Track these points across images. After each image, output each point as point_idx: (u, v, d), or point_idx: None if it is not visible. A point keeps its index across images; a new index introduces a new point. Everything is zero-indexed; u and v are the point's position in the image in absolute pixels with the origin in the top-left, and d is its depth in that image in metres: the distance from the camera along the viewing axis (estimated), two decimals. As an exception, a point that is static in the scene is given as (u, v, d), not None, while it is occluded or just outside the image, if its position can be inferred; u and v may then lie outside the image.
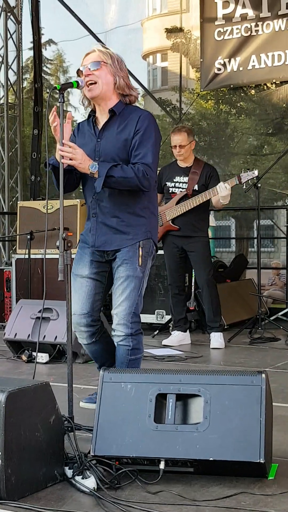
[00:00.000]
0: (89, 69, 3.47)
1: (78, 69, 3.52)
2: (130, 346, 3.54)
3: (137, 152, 3.45)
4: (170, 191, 6.25)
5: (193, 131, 6.47)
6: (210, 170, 6.18)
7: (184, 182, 6.17)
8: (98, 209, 3.55)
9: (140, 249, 3.52)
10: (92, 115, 3.63)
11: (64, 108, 3.33)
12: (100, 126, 3.59)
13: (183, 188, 6.16)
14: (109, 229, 3.53)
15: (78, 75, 3.51)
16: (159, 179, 6.39)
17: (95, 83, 3.48)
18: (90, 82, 3.48)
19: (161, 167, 6.66)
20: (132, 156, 3.46)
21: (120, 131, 3.50)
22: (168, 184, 6.27)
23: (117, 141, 3.48)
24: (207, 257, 6.28)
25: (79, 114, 20.55)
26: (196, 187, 6.09)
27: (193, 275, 6.72)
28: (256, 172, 5.94)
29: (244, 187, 6.00)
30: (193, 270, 6.57)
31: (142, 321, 3.58)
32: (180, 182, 6.21)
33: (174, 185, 6.24)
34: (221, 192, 5.84)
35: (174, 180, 6.24)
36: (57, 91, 3.34)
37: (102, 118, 3.58)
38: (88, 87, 3.49)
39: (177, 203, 6.16)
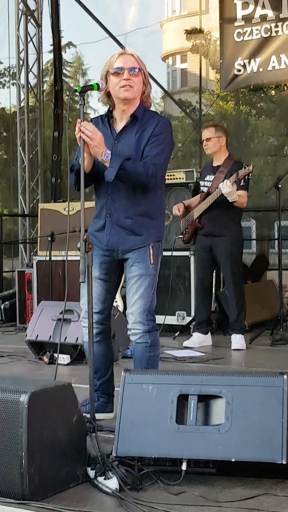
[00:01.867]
0: (129, 73, 3.49)
1: (108, 70, 3.52)
2: (148, 343, 3.58)
3: (150, 152, 3.51)
4: (201, 190, 6.32)
5: (224, 129, 6.41)
6: (235, 168, 6.09)
7: (210, 181, 6.18)
8: (113, 209, 3.59)
9: (151, 247, 3.58)
10: (109, 115, 3.66)
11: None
12: (117, 128, 3.61)
13: (208, 187, 6.19)
14: (123, 230, 3.58)
15: (114, 76, 3.50)
16: (199, 178, 6.46)
17: (132, 87, 3.51)
18: (128, 85, 3.50)
19: (193, 166, 6.71)
20: (143, 156, 3.51)
21: (139, 136, 3.54)
22: (201, 183, 6.36)
23: (135, 145, 3.52)
24: (233, 257, 6.22)
25: (99, 117, 20.54)
26: (220, 185, 6.08)
27: (214, 275, 6.72)
28: (250, 168, 5.85)
29: (242, 183, 5.95)
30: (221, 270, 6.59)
31: (163, 322, 3.59)
32: (208, 181, 6.24)
33: (204, 184, 6.29)
34: (223, 189, 5.85)
35: (205, 179, 6.30)
36: (78, 94, 3.36)
37: (122, 120, 3.61)
38: (124, 87, 3.50)
39: (203, 201, 6.19)
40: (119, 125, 3.62)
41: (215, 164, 6.27)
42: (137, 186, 3.50)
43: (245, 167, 5.84)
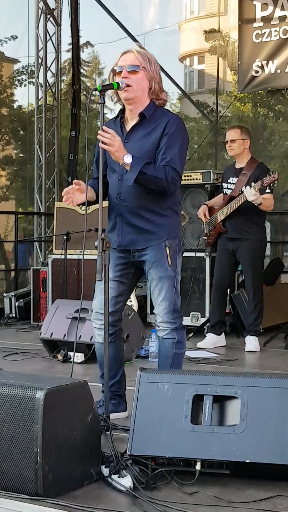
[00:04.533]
0: (127, 71, 3.47)
1: (113, 68, 3.52)
2: (175, 339, 3.59)
3: (165, 155, 3.47)
4: (224, 192, 6.28)
5: (248, 131, 6.39)
6: (259, 172, 6.07)
7: (233, 183, 6.16)
8: (122, 209, 3.58)
9: (167, 249, 3.56)
10: (121, 115, 3.65)
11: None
12: (128, 127, 3.60)
13: (231, 189, 6.16)
14: (134, 229, 3.57)
15: (114, 75, 3.51)
16: (222, 179, 6.42)
17: (130, 86, 3.48)
18: (126, 84, 3.47)
19: (209, 168, 6.67)
20: (159, 159, 3.48)
21: (148, 134, 3.51)
22: (224, 185, 6.31)
23: (144, 144, 3.49)
24: (255, 261, 6.21)
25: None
26: (243, 189, 6.05)
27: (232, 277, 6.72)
28: (276, 176, 5.81)
29: (268, 190, 5.92)
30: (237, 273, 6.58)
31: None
32: (231, 183, 6.21)
33: (227, 186, 6.25)
34: (248, 197, 5.81)
35: (228, 181, 6.25)
36: (98, 92, 3.36)
37: (132, 120, 3.59)
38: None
39: (227, 204, 6.15)
40: (129, 125, 3.60)
41: (238, 166, 6.24)
42: (156, 191, 3.48)
43: (270, 174, 5.81)
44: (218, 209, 6.27)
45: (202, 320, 6.92)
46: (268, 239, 18.07)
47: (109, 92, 3.56)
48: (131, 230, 3.57)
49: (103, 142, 3.31)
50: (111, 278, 3.60)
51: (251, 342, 6.15)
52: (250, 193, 5.78)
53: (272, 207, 6.12)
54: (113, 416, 3.50)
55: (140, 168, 3.36)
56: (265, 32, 8.98)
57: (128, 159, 3.36)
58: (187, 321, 7.02)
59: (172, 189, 3.48)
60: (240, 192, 6.04)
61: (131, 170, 3.38)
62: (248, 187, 5.85)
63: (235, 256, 6.25)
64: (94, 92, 3.45)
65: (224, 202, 6.20)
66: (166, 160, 3.45)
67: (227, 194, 6.20)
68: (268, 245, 17.03)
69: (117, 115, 3.67)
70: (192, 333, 6.77)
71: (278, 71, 8.90)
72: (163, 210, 3.58)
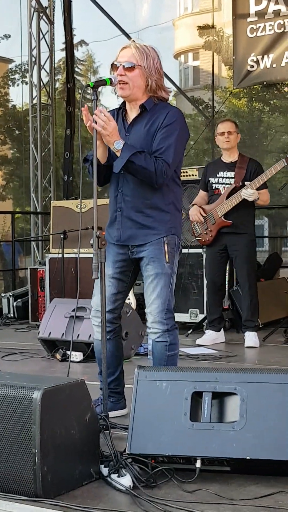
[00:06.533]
0: (123, 67, 3.45)
1: (113, 63, 3.50)
2: (167, 342, 3.54)
3: (159, 146, 3.44)
4: (213, 187, 6.19)
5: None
6: (255, 166, 6.07)
7: (230, 177, 6.09)
8: (123, 203, 3.55)
9: (166, 245, 3.51)
10: (122, 108, 3.63)
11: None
12: (129, 120, 3.58)
13: (228, 184, 6.09)
14: (134, 224, 3.54)
15: (112, 69, 3.49)
16: (204, 175, 6.35)
17: (126, 83, 3.46)
18: (121, 81, 3.46)
19: (206, 164, 6.62)
20: (154, 149, 3.44)
21: (149, 127, 3.49)
22: (212, 180, 6.21)
23: (145, 137, 3.47)
24: (251, 256, 6.19)
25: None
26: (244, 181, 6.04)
27: (227, 274, 6.68)
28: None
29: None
30: (233, 268, 6.53)
31: (175, 320, 3.58)
32: (224, 177, 6.14)
33: (218, 180, 6.18)
34: (249, 198, 5.84)
35: (218, 176, 6.18)
36: (90, 89, 3.34)
37: (132, 113, 3.58)
38: (119, 85, 3.47)
39: (227, 197, 6.10)
40: (130, 117, 3.58)
41: (227, 160, 6.19)
42: (144, 181, 3.45)
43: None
44: (215, 205, 6.18)
45: (201, 316, 6.89)
46: (266, 234, 18.12)
47: (111, 93, 3.57)
48: (131, 225, 3.54)
49: (97, 124, 3.30)
50: (110, 275, 3.58)
51: (251, 338, 6.12)
52: (249, 195, 5.85)
53: (268, 201, 6.12)
54: (112, 414, 3.48)
55: (130, 157, 3.34)
56: (259, 27, 8.95)
57: (118, 145, 3.34)
58: (185, 318, 7.00)
59: (160, 181, 3.43)
60: (241, 185, 6.00)
61: (120, 157, 3.36)
62: (244, 189, 5.86)
63: (226, 251, 6.22)
64: (87, 89, 3.40)
65: (223, 196, 6.11)
66: (159, 152, 3.42)
67: (218, 189, 6.15)
68: (266, 240, 17.09)
69: (119, 107, 3.65)
70: (191, 330, 6.75)
71: (274, 65, 8.87)
72: (165, 205, 3.54)
